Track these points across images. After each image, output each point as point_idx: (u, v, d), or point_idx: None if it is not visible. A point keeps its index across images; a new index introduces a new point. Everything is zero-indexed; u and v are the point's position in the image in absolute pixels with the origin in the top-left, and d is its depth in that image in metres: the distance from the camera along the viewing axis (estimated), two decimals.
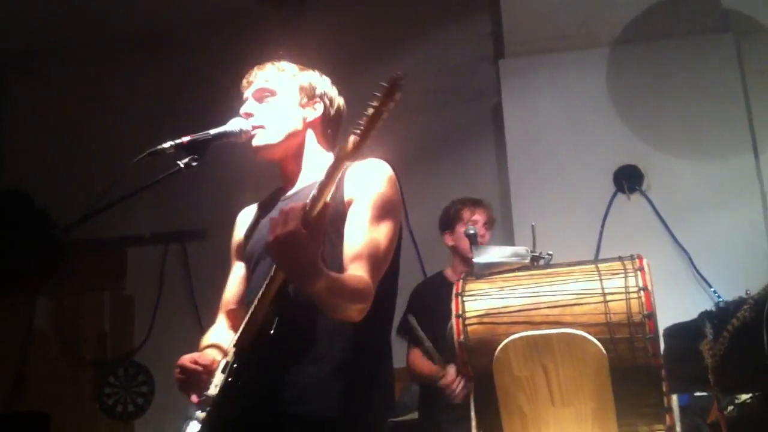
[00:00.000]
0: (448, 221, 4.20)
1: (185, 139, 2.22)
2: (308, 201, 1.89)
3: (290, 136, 2.38)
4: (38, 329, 6.04)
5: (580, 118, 4.96)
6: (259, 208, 2.53)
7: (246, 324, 2.12)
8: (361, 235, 2.13)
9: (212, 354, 2.25)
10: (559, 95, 5.02)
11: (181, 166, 2.21)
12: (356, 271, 2.07)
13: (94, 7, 5.84)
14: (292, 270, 1.91)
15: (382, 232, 2.17)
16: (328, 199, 1.91)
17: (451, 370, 3.88)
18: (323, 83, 2.47)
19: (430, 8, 5.84)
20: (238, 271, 2.52)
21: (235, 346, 2.14)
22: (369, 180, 2.22)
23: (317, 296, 1.94)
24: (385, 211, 2.19)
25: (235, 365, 2.10)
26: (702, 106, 4.80)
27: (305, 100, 2.41)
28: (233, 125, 2.31)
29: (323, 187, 1.90)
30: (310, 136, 2.42)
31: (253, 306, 2.10)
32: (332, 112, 2.46)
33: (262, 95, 2.39)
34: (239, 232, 2.54)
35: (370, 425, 2.19)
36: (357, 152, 1.87)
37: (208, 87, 5.67)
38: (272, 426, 2.11)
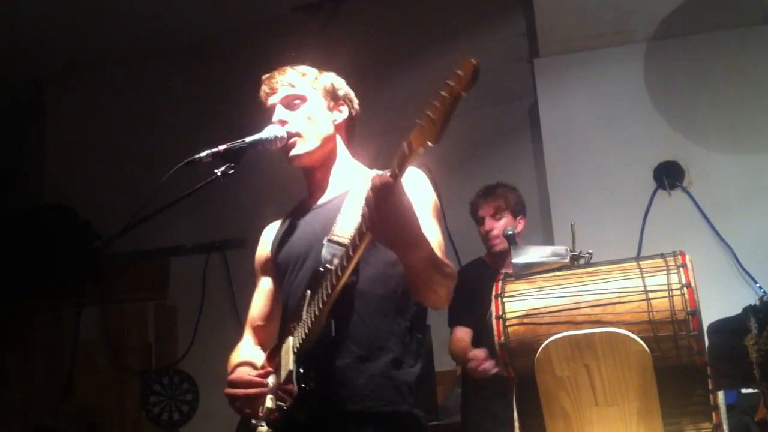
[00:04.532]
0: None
1: (221, 147, 2.25)
2: (394, 169, 1.75)
3: (326, 141, 2.38)
4: (84, 340, 6.12)
5: (617, 116, 4.91)
6: (286, 220, 2.50)
7: (309, 330, 2.11)
8: (429, 233, 2.07)
9: (245, 371, 2.27)
10: (596, 93, 4.97)
11: (218, 174, 2.24)
12: None
13: (130, 22, 5.92)
14: (399, 238, 1.85)
15: (440, 233, 2.20)
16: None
17: (478, 353, 3.83)
18: (343, 84, 2.47)
19: (463, 10, 5.81)
20: (265, 286, 2.53)
21: (295, 353, 2.14)
22: (417, 187, 2.22)
23: (417, 267, 1.96)
24: (437, 215, 2.25)
25: (301, 371, 2.10)
26: (742, 99, 4.73)
27: (332, 103, 2.42)
28: (268, 132, 2.32)
29: (402, 162, 1.73)
30: (339, 141, 2.43)
31: (313, 313, 2.09)
32: (354, 113, 2.47)
33: (291, 101, 2.38)
34: (264, 248, 2.54)
35: (420, 418, 2.20)
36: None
37: (245, 96, 5.70)
38: (333, 426, 2.11)
